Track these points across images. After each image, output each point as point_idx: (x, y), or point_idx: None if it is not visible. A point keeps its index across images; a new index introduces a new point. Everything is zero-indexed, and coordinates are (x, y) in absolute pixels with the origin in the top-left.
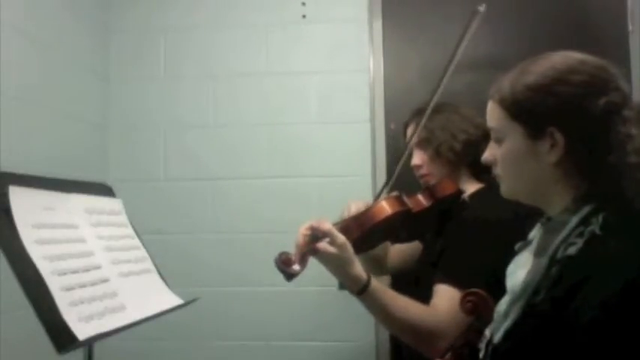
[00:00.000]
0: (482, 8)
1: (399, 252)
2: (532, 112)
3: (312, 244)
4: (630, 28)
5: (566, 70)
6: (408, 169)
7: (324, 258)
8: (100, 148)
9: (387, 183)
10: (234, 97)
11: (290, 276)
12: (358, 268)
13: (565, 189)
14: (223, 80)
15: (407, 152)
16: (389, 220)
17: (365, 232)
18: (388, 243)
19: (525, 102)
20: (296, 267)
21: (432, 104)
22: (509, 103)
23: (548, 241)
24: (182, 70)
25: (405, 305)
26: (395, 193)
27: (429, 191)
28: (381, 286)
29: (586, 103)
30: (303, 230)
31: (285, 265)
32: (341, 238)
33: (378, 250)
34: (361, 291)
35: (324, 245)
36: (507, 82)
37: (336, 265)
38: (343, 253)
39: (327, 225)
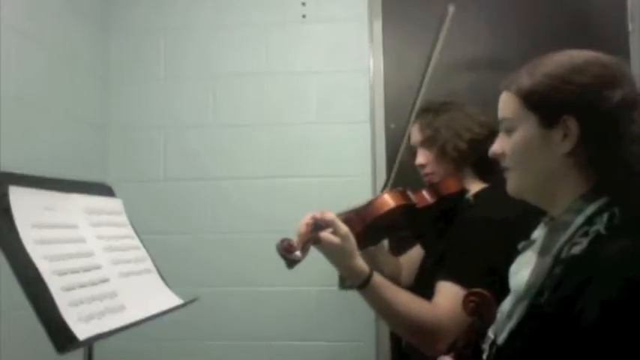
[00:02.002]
0: (451, 8)
1: (409, 265)
2: (548, 99)
3: (314, 232)
4: (630, 28)
5: (583, 62)
6: (412, 168)
7: (326, 248)
8: (100, 148)
9: (388, 178)
10: (234, 97)
11: (291, 262)
12: (360, 261)
13: (573, 183)
14: (223, 80)
15: (402, 147)
16: (392, 213)
17: (368, 225)
18: (383, 247)
19: (542, 90)
20: (298, 254)
21: (416, 106)
22: (526, 92)
23: (553, 241)
24: (182, 70)
25: (406, 301)
26: (399, 188)
27: (434, 188)
28: (383, 280)
29: (602, 93)
30: (305, 220)
31: (286, 252)
32: (344, 228)
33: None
34: (363, 284)
35: (326, 235)
36: (525, 73)
37: (337, 255)
38: (345, 243)
39: (331, 215)
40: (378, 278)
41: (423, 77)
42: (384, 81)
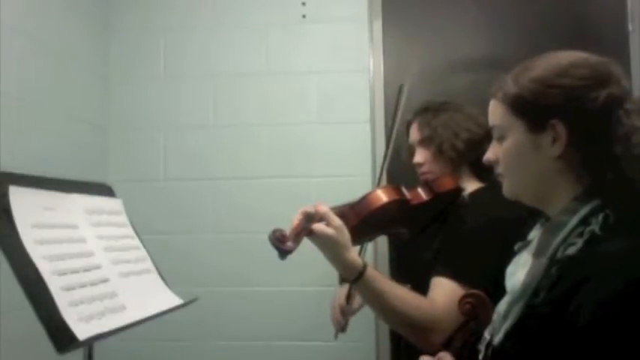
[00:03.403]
0: (406, 86)
1: None
2: (534, 105)
3: (307, 224)
4: (630, 28)
5: (568, 64)
6: (410, 167)
7: (320, 239)
8: (100, 148)
9: (380, 176)
10: (234, 97)
11: (283, 253)
12: (354, 253)
13: (567, 185)
14: (223, 80)
15: (392, 142)
16: (386, 208)
17: (361, 219)
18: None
19: (528, 95)
20: (290, 244)
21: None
22: (511, 99)
23: (548, 241)
24: (182, 70)
25: (402, 295)
26: (394, 184)
27: (429, 186)
28: (377, 274)
29: (588, 95)
30: (299, 213)
31: (279, 242)
32: (337, 220)
33: None
34: (357, 278)
35: (320, 226)
36: (510, 79)
37: (331, 248)
38: (339, 235)
39: (325, 207)
40: (372, 271)
41: (388, 146)
42: (384, 81)
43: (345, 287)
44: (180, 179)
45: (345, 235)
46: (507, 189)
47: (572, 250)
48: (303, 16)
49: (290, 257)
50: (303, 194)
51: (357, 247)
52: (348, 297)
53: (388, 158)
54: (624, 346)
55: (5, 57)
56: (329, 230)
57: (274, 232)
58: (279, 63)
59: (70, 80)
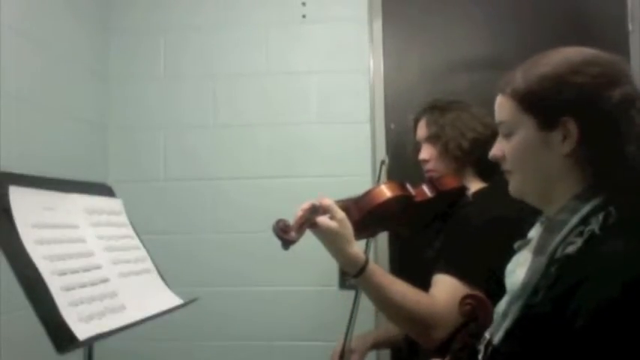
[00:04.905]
0: (386, 160)
1: None
2: (546, 102)
3: (311, 216)
4: (630, 28)
5: (580, 61)
6: (413, 166)
7: (323, 232)
8: (100, 148)
9: (379, 174)
10: (234, 97)
11: (286, 243)
12: (356, 247)
13: (570, 183)
14: (223, 80)
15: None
16: (389, 203)
17: (365, 214)
18: None
19: (539, 92)
20: (293, 234)
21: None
22: (522, 95)
23: (548, 240)
24: (182, 70)
25: (403, 290)
26: (399, 180)
27: (433, 184)
28: (379, 269)
29: (601, 93)
30: (303, 206)
31: (282, 232)
32: (341, 213)
33: None
34: (359, 272)
35: (323, 219)
36: (520, 74)
37: (334, 241)
38: (342, 229)
39: (328, 200)
40: (373, 266)
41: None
42: (384, 81)
43: (339, 345)
44: (180, 179)
45: (348, 229)
46: (514, 187)
47: (571, 250)
48: (303, 16)
49: (290, 257)
50: (303, 194)
51: (362, 245)
52: (342, 355)
53: None
54: (622, 347)
55: (5, 57)
56: (332, 223)
57: (278, 222)
58: (279, 63)
59: (70, 80)
